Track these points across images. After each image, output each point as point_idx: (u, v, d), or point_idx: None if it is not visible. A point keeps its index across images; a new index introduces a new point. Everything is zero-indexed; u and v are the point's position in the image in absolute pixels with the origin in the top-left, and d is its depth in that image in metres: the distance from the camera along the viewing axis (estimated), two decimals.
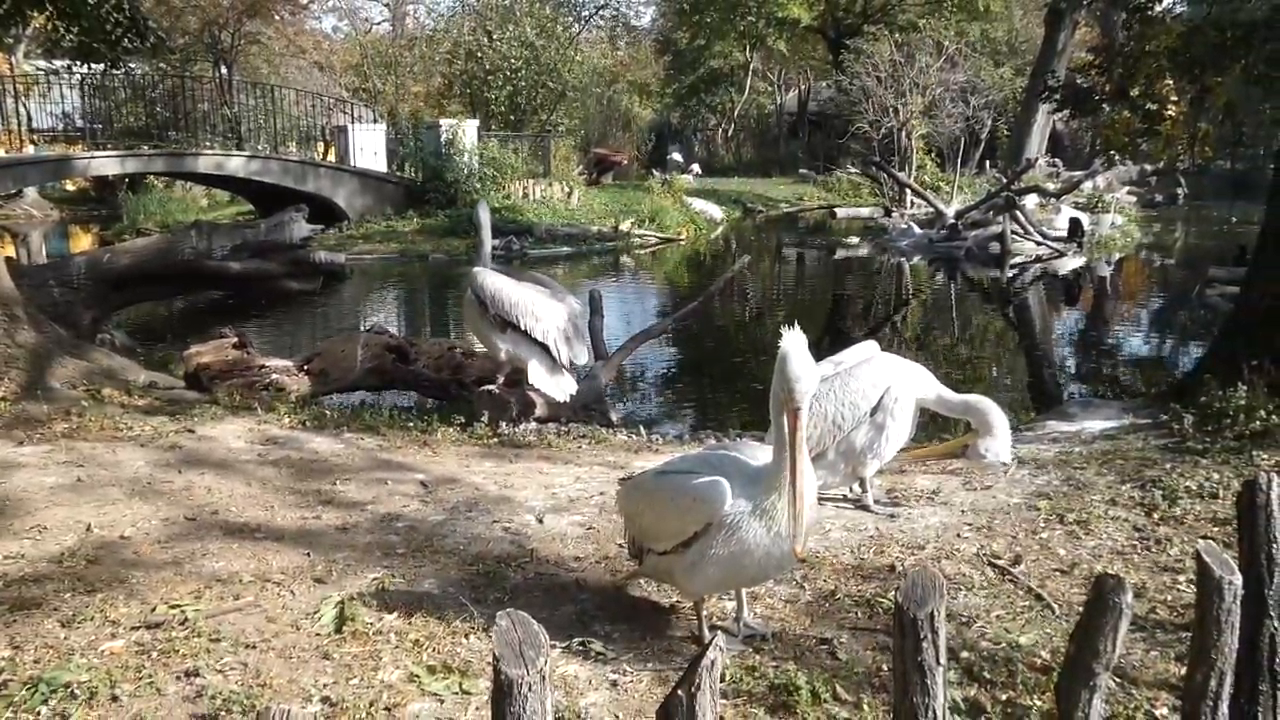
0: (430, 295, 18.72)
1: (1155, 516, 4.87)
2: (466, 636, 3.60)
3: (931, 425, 7.05)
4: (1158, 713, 3.12)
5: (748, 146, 48.93)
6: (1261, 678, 2.67)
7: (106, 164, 23.49)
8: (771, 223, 30.80)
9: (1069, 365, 12.51)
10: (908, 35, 33.20)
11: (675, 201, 27.88)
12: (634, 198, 27.59)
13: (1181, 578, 4.11)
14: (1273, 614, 2.65)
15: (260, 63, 39.82)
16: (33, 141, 26.27)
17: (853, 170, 34.47)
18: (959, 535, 4.73)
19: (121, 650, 3.45)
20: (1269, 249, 7.18)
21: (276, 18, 38.55)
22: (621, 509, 3.89)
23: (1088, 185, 26.71)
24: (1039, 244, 21.23)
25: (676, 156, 40.87)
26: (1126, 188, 31.98)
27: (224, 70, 36.53)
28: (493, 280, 7.04)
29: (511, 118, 32.85)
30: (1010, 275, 19.51)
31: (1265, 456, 5.65)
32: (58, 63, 20.34)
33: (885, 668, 3.35)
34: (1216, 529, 4.64)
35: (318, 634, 3.61)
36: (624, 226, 24.48)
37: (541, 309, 7.01)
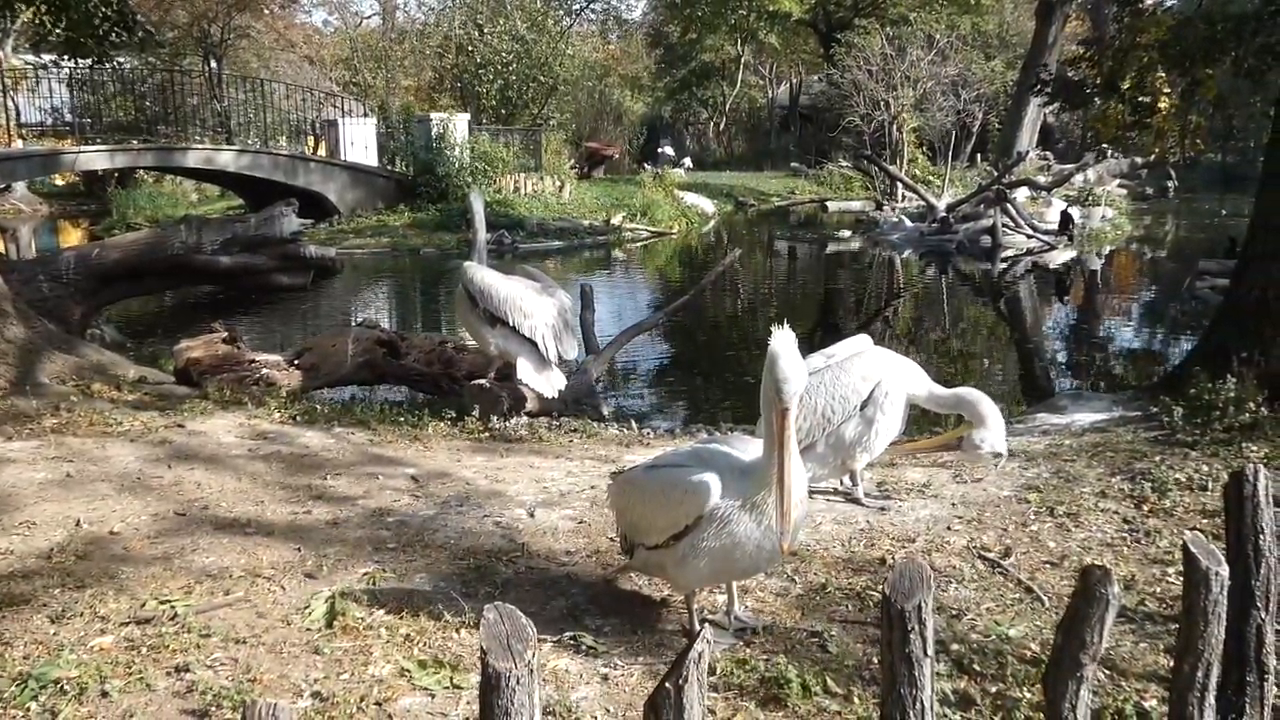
0: (421, 290, 18.69)
1: (1145, 509, 4.89)
2: (457, 631, 3.60)
3: (923, 419, 7.06)
4: (1146, 704, 3.13)
5: (739, 140, 48.91)
6: (1249, 669, 2.69)
7: (95, 159, 23.37)
8: (763, 217, 30.79)
9: (1059, 358, 12.54)
10: (899, 28, 33.16)
11: (667, 195, 27.86)
12: (625, 192, 27.58)
13: (1171, 570, 4.12)
14: (1259, 605, 2.67)
15: (250, 57, 39.65)
16: (21, 136, 26.16)
17: (844, 164, 34.45)
18: (949, 528, 4.74)
19: (111, 646, 3.45)
20: (1259, 242, 7.20)
21: (266, 11, 38.41)
22: (613, 504, 3.89)
23: (1079, 178, 26.75)
24: (1030, 237, 21.28)
25: (668, 150, 40.86)
26: (1117, 181, 32.05)
27: (213, 64, 36.40)
28: (483, 275, 7.03)
29: (503, 111, 32.81)
30: (1001, 268, 19.55)
31: (1254, 449, 5.67)
32: (46, 57, 20.28)
33: (875, 660, 3.35)
34: (1206, 521, 4.65)
35: (308, 629, 3.60)
36: (615, 220, 24.46)
37: (530, 305, 7.00)
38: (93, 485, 5.20)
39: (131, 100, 26.45)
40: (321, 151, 27.06)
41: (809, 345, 5.05)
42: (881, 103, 30.21)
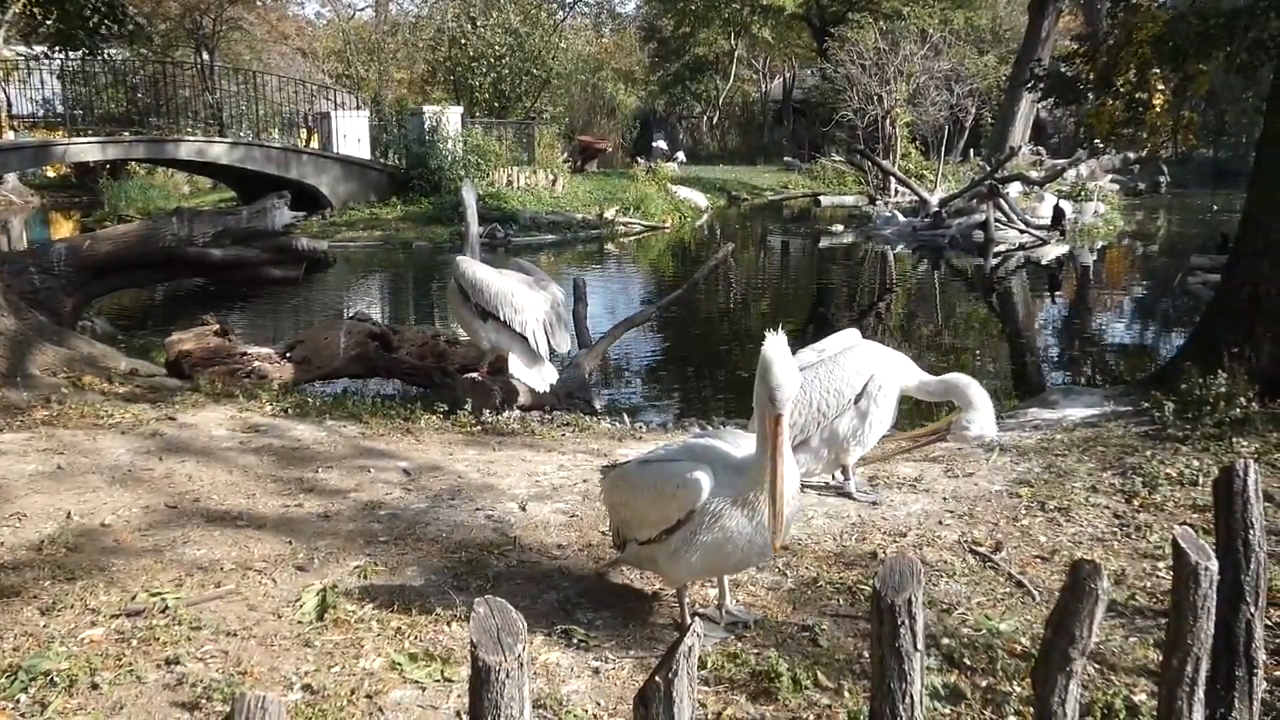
0: (414, 283, 18.66)
1: (1135, 503, 4.90)
2: (449, 624, 3.60)
3: (915, 412, 7.06)
4: (1135, 698, 3.14)
5: (733, 134, 48.88)
6: (1238, 663, 2.69)
7: (87, 150, 23.32)
8: (756, 211, 30.80)
9: (1051, 353, 12.56)
10: (892, 23, 33.15)
11: (660, 189, 27.85)
12: (619, 185, 27.55)
13: (1161, 564, 4.13)
14: (1249, 600, 2.67)
15: (242, 49, 39.56)
16: (13, 128, 26.09)
17: (837, 158, 34.46)
18: (940, 522, 4.75)
19: (101, 638, 3.44)
20: (1250, 237, 7.20)
21: (258, 3, 38.35)
22: (605, 499, 3.89)
23: (1071, 173, 26.75)
24: (1022, 232, 21.28)
25: (661, 144, 40.78)
26: (1109, 176, 32.04)
27: (206, 56, 36.28)
28: (475, 270, 7.03)
29: (496, 105, 32.76)
30: (993, 263, 19.55)
31: (1245, 444, 5.69)
32: (37, 48, 20.18)
33: (867, 654, 3.35)
34: (1196, 516, 4.66)
35: (299, 622, 3.60)
36: (609, 214, 24.44)
37: (522, 300, 6.99)
38: (83, 477, 5.19)
39: (123, 92, 26.34)
40: (314, 144, 26.99)
41: (801, 340, 5.05)
42: (875, 97, 30.20)
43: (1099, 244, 22.08)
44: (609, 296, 15.59)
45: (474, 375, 7.41)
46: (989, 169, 23.30)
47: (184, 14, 36.10)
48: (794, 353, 5.00)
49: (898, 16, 34.66)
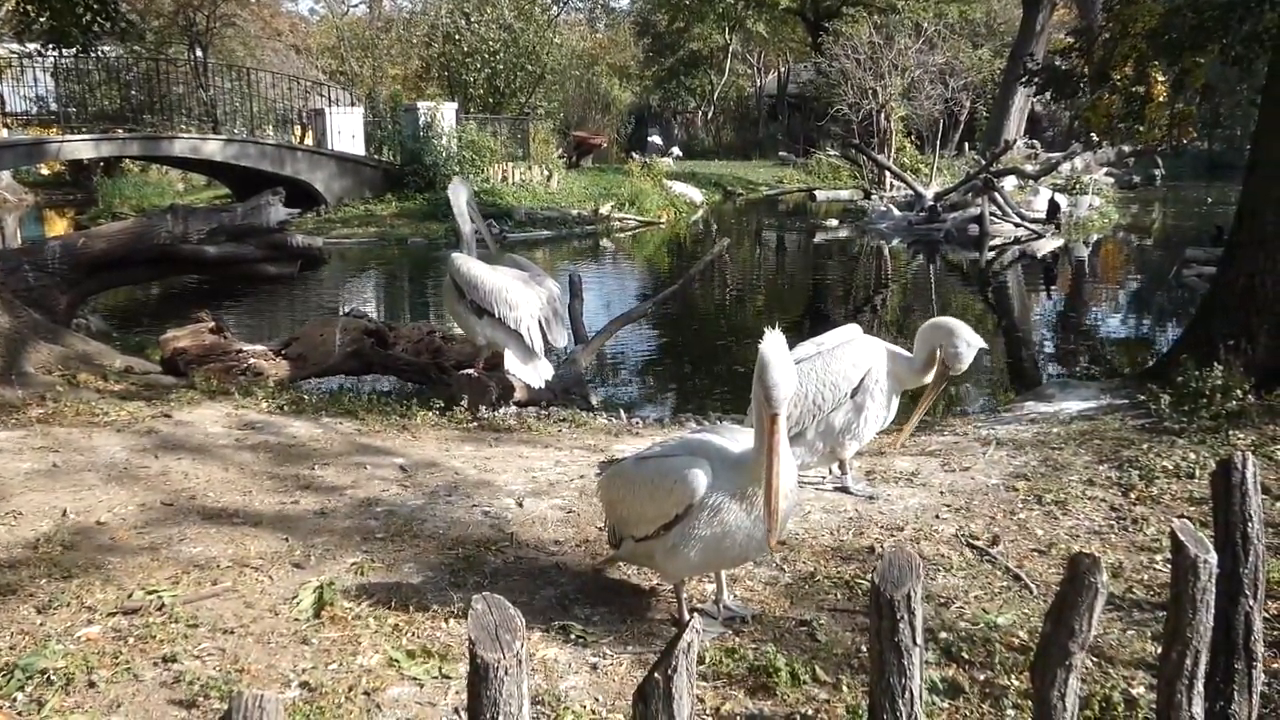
0: (409, 279, 18.64)
1: (1132, 496, 4.90)
2: (446, 620, 3.59)
3: (909, 406, 7.05)
4: (1134, 692, 3.15)
5: (727, 129, 48.86)
6: (1237, 656, 2.69)
7: (81, 147, 23.26)
8: (751, 205, 30.77)
9: (1047, 346, 12.56)
10: (886, 17, 33.14)
11: (655, 185, 27.81)
12: (614, 181, 27.52)
13: (1158, 557, 4.14)
14: (1248, 593, 2.67)
15: (236, 45, 39.45)
16: (6, 125, 26.00)
17: (832, 153, 34.42)
18: (937, 516, 4.75)
19: (98, 636, 3.43)
20: (1245, 229, 7.21)
21: (252, 0, 38.23)
22: (602, 497, 3.88)
23: (1066, 167, 26.77)
24: (1017, 226, 21.29)
25: (656, 139, 40.80)
26: (1104, 169, 32.05)
27: (199, 53, 36.20)
28: (469, 267, 7.02)
29: (490, 100, 32.70)
30: (989, 257, 19.56)
31: (1241, 436, 5.69)
32: (30, 45, 20.11)
33: (864, 648, 3.35)
34: (1193, 508, 4.67)
35: (296, 619, 3.59)
36: (604, 210, 24.42)
37: (516, 296, 6.98)
38: (79, 475, 5.18)
39: (117, 89, 26.26)
40: (309, 141, 26.93)
41: (798, 334, 5.04)
42: (869, 91, 30.16)
43: (1094, 237, 22.10)
44: (605, 292, 15.57)
45: (470, 371, 7.40)
46: (984, 163, 23.30)
47: (177, 10, 36.00)
48: (792, 348, 5.00)
49: (892, 10, 34.65)
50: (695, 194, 29.36)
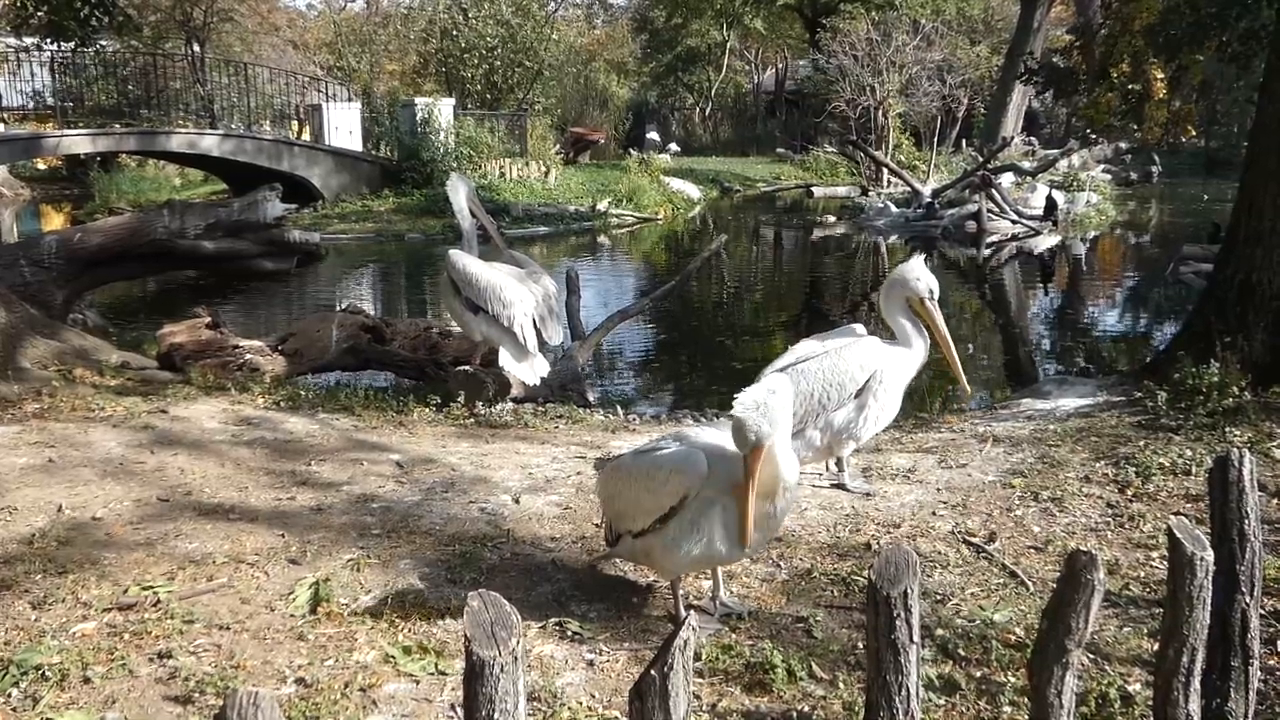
0: (406, 275, 18.63)
1: (1129, 493, 4.90)
2: (442, 617, 3.59)
3: (911, 400, 7.06)
4: (1130, 688, 3.14)
5: (725, 125, 48.75)
6: (1233, 653, 2.69)
7: (78, 142, 23.22)
8: (749, 202, 30.75)
9: (1044, 343, 12.57)
10: (884, 13, 33.09)
11: (653, 181, 27.77)
12: (611, 177, 27.49)
13: (1155, 554, 4.14)
14: (1244, 589, 2.67)
15: (233, 40, 39.33)
16: (3, 120, 25.96)
17: (830, 149, 34.41)
18: (934, 513, 4.74)
19: (93, 632, 3.43)
20: (1242, 226, 7.21)
21: None
22: (599, 493, 3.88)
23: (1063, 163, 26.75)
24: (1015, 222, 21.27)
25: (654, 135, 40.71)
26: (1102, 166, 32.07)
27: (196, 48, 36.07)
28: (465, 264, 7.02)
29: (488, 96, 32.68)
30: (986, 254, 19.55)
31: (1238, 433, 5.69)
32: (27, 40, 20.09)
33: (861, 645, 3.35)
34: (1189, 505, 4.67)
35: (292, 615, 3.59)
36: (601, 206, 24.39)
37: (511, 294, 6.98)
38: (75, 470, 5.17)
39: (114, 84, 26.24)
40: (306, 136, 26.91)
41: (795, 332, 5.03)
42: (867, 88, 30.12)
43: (1091, 234, 22.09)
44: (602, 288, 15.57)
45: (467, 367, 7.40)
46: (981, 159, 23.30)
47: (174, 5, 35.83)
48: (792, 345, 4.99)
49: (890, 7, 34.58)
50: (693, 190, 29.34)
